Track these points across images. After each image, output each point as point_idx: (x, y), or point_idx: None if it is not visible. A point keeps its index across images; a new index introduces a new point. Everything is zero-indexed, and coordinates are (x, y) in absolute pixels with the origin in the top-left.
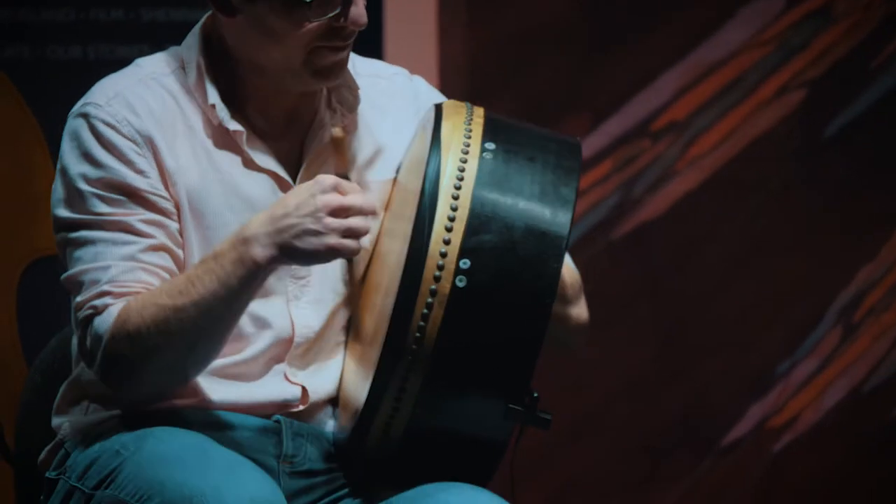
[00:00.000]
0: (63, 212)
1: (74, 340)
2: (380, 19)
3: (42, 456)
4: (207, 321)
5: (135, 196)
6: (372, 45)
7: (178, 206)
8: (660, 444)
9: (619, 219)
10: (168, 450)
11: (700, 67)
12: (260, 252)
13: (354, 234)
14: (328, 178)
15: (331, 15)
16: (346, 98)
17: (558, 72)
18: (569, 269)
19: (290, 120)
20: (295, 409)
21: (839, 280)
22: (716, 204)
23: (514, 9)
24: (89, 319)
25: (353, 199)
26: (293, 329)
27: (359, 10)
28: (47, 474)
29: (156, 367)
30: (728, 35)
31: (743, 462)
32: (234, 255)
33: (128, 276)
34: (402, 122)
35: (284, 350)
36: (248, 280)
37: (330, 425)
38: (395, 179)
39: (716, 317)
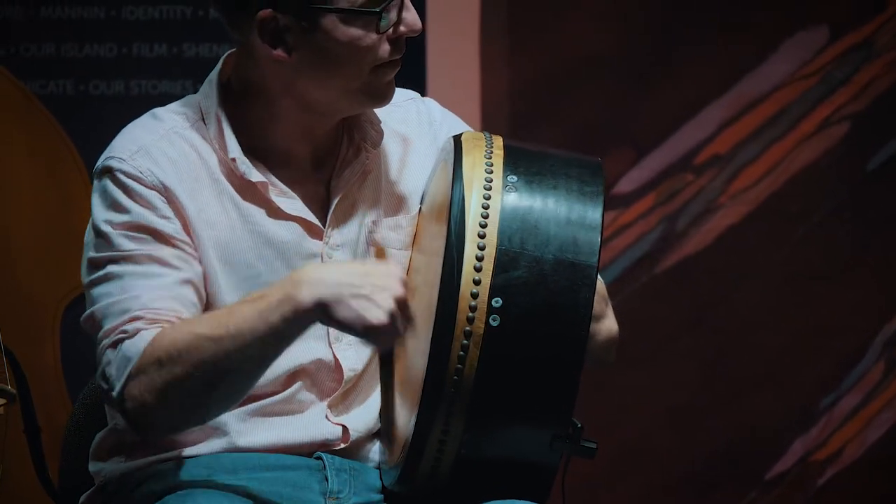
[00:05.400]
0: (91, 253)
1: (99, 371)
2: (423, 50)
3: (82, 500)
4: (240, 356)
5: (161, 237)
6: (415, 77)
7: (200, 259)
8: (704, 478)
9: (663, 252)
10: None
11: (743, 101)
12: (306, 296)
13: (397, 328)
14: (403, 275)
15: (393, 21)
16: (370, 133)
17: (601, 104)
18: None
19: (315, 160)
20: (336, 448)
21: (882, 314)
22: (759, 237)
23: (556, 42)
24: (117, 344)
25: (414, 305)
26: (341, 373)
27: (413, 15)
28: None
29: (178, 396)
30: (771, 68)
31: (787, 496)
32: (281, 295)
33: (160, 304)
34: (422, 151)
35: (328, 393)
36: (287, 322)
37: (372, 458)
38: (420, 211)
39: (759, 350)
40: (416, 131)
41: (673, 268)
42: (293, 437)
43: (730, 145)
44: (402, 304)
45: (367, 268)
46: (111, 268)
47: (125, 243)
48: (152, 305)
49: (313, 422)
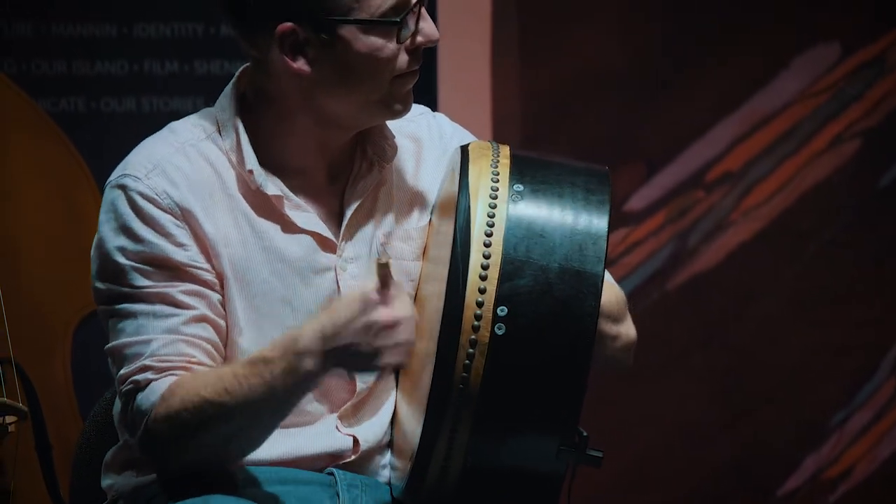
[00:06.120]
0: (102, 285)
1: (117, 407)
2: (434, 63)
3: None
4: (251, 421)
5: (175, 269)
6: (426, 92)
7: (220, 277)
8: (715, 495)
9: (674, 269)
10: None
11: (754, 117)
12: (312, 366)
13: (404, 347)
14: (374, 294)
15: (412, 32)
16: (383, 148)
17: (611, 121)
18: (612, 288)
19: (330, 174)
20: (347, 460)
21: (893, 331)
22: (770, 254)
23: (567, 58)
24: (132, 394)
25: (401, 311)
26: (354, 384)
27: (430, 25)
28: None
29: (196, 450)
30: (782, 85)
31: None
32: (285, 365)
33: (168, 350)
34: (432, 164)
35: (339, 404)
36: (298, 389)
37: (383, 472)
38: (430, 222)
39: (770, 367)
40: (427, 146)
41: (684, 285)
42: (304, 448)
43: (741, 162)
44: (396, 325)
45: (350, 314)
46: (125, 305)
47: (138, 279)
48: (162, 352)
49: (324, 433)
